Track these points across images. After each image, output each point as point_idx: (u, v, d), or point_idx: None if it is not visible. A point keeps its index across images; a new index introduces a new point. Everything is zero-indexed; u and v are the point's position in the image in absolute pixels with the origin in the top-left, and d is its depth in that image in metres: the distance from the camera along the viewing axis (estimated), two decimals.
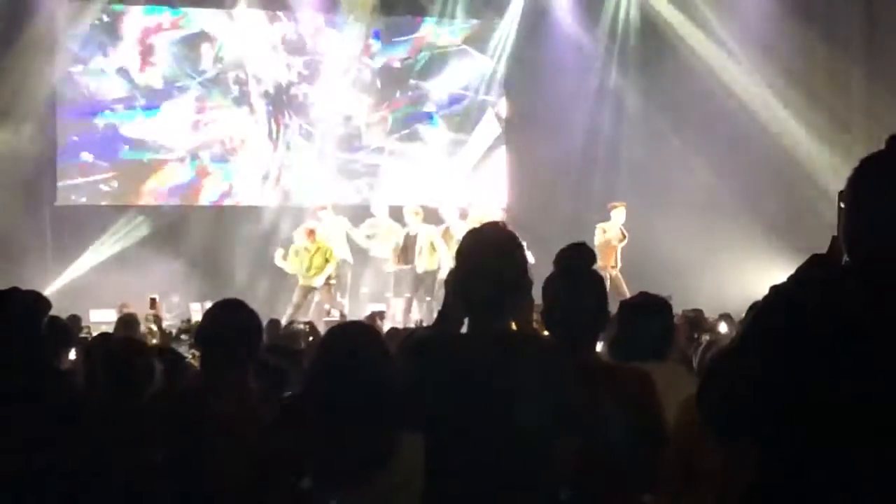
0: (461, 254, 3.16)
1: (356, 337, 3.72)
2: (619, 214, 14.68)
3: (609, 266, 14.20)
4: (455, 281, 3.15)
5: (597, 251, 11.37)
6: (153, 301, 11.18)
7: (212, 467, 3.76)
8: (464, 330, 3.16)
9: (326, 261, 14.27)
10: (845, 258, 2.37)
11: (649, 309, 4.35)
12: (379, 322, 11.28)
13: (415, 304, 14.35)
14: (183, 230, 15.58)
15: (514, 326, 3.16)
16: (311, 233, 14.45)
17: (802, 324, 2.27)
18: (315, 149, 16.78)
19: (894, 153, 2.36)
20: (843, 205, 2.37)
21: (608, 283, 14.00)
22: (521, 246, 3.19)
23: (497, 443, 2.93)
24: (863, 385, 2.23)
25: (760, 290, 2.45)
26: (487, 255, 3.11)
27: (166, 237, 15.56)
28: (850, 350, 2.23)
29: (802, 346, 2.26)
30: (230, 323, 4.09)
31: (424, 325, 11.43)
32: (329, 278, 14.32)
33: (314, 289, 14.33)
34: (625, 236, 14.59)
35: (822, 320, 2.26)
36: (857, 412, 2.22)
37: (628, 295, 12.51)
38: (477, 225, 3.24)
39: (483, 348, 3.02)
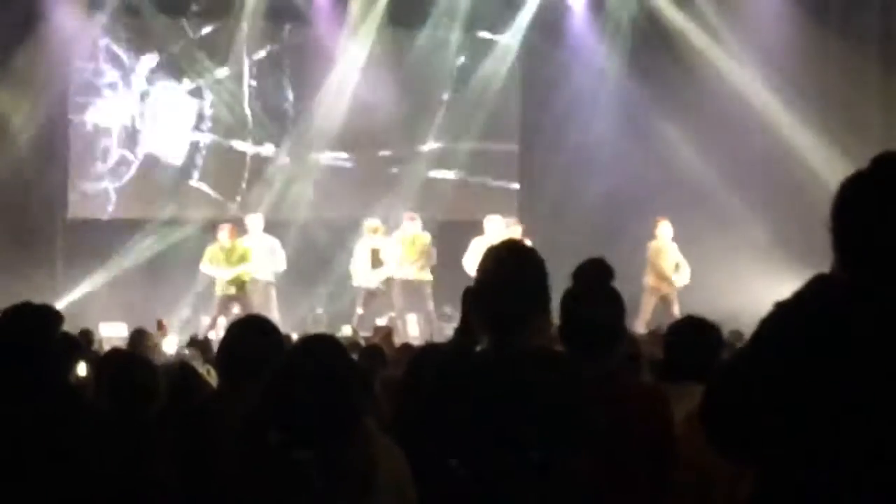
0: (482, 270, 3.14)
1: (320, 350, 3.55)
2: (662, 229, 14.58)
3: (658, 285, 14.21)
4: (476, 298, 3.13)
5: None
6: (160, 323, 11.19)
7: (226, 486, 3.72)
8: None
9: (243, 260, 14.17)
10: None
11: (697, 332, 4.32)
12: (392, 338, 11.24)
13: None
14: (197, 245, 15.55)
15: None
16: (234, 232, 14.36)
17: (802, 342, 2.29)
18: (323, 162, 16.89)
19: (877, 173, 2.38)
20: (832, 224, 2.39)
21: (654, 301, 14.05)
22: (541, 262, 3.17)
23: (517, 464, 2.91)
24: (862, 403, 2.24)
25: (767, 303, 2.45)
26: (509, 272, 3.09)
27: (180, 251, 15.56)
28: (849, 367, 2.25)
29: (803, 363, 2.27)
30: (254, 341, 4.09)
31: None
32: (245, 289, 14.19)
33: (233, 299, 14.20)
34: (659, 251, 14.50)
35: (822, 338, 2.27)
36: (858, 428, 2.23)
37: (677, 314, 12.60)
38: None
39: (505, 366, 3.00)
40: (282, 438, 3.25)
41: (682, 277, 14.35)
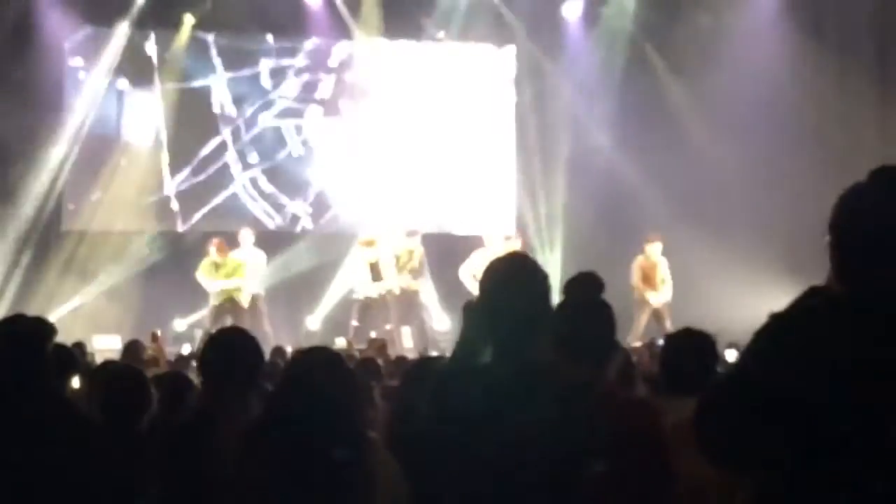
0: (486, 283, 3.13)
1: (321, 362, 3.59)
2: (654, 248, 14.62)
3: (646, 298, 14.30)
4: (479, 310, 3.12)
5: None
6: (154, 335, 11.15)
7: (210, 497, 3.72)
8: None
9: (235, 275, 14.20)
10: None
11: (694, 343, 4.31)
12: (386, 350, 11.23)
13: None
14: (191, 256, 15.52)
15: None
16: (222, 246, 14.35)
17: (796, 353, 2.30)
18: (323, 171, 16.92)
19: (874, 184, 2.39)
20: (829, 237, 2.40)
21: (646, 315, 14.11)
22: (545, 275, 3.16)
23: (521, 477, 2.90)
24: (856, 414, 2.25)
25: (761, 315, 2.47)
26: (514, 286, 3.08)
27: (174, 263, 15.54)
28: (843, 379, 2.25)
29: (797, 374, 2.28)
30: (230, 350, 4.08)
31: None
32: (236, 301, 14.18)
33: (226, 311, 14.17)
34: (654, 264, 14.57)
35: (817, 350, 2.28)
36: (852, 439, 2.24)
37: (669, 328, 12.62)
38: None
39: (509, 379, 2.99)
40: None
41: (662, 295, 14.42)
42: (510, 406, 2.95)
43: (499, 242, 14.48)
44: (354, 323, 14.55)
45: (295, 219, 16.76)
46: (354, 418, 3.38)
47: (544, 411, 2.94)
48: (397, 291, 14.63)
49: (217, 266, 14.21)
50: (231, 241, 14.67)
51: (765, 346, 2.38)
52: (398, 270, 14.69)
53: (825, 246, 2.41)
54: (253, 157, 16.73)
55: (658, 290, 14.46)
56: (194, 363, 8.71)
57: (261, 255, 14.81)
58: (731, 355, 8.32)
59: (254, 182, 16.69)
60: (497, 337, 3.07)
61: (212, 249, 14.30)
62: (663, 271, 14.54)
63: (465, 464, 2.96)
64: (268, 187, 16.68)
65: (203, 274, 14.30)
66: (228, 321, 13.80)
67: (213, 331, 13.69)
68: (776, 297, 2.77)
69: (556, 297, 3.59)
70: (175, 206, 16.43)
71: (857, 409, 2.25)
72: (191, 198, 16.49)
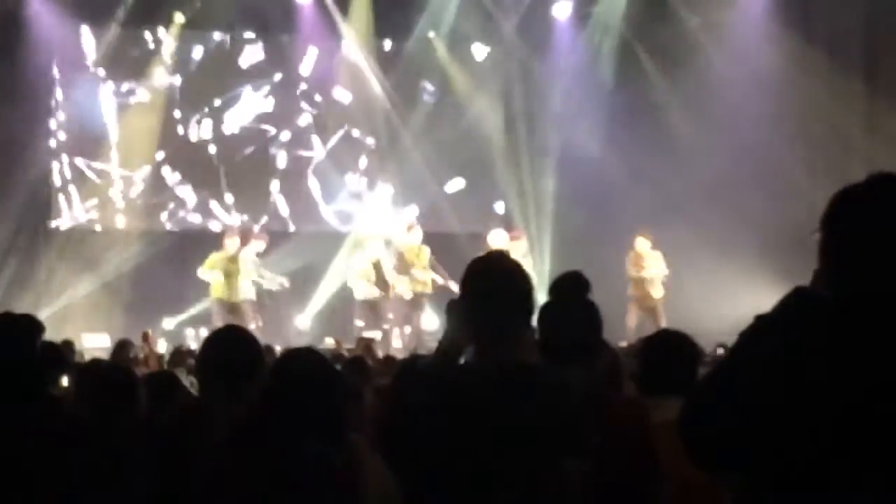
0: (468, 282, 3.13)
1: (307, 362, 3.60)
2: (640, 243, 14.70)
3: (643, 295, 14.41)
4: (461, 309, 3.12)
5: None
6: (145, 335, 11.14)
7: (199, 496, 3.72)
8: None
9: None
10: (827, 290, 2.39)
11: (671, 346, 4.30)
12: (373, 349, 11.23)
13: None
14: (179, 255, 15.49)
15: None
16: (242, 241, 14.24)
17: (780, 355, 2.30)
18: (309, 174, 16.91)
19: (871, 189, 2.38)
20: (820, 237, 2.40)
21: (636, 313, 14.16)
22: (527, 275, 3.17)
23: (501, 475, 2.91)
24: (839, 416, 2.25)
25: (751, 315, 2.46)
26: (496, 284, 3.08)
27: (162, 262, 15.51)
28: (826, 381, 2.26)
29: (780, 376, 2.28)
30: (230, 351, 4.07)
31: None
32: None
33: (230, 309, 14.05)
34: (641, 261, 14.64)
35: (800, 351, 2.29)
36: (834, 440, 2.25)
37: (663, 326, 12.65)
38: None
39: (490, 378, 3.00)
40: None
41: (656, 271, 14.56)
42: (488, 405, 2.95)
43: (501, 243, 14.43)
44: (358, 323, 14.41)
45: (284, 218, 16.72)
46: (338, 419, 3.38)
47: (522, 411, 2.94)
48: (408, 296, 14.51)
49: (230, 260, 14.09)
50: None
51: (749, 348, 2.38)
52: (406, 268, 14.53)
53: (815, 244, 2.41)
54: (235, 157, 16.69)
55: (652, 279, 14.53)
56: (191, 361, 8.72)
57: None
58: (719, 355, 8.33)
59: (235, 180, 16.64)
60: (477, 336, 3.08)
61: (231, 243, 14.18)
62: (656, 264, 14.61)
63: (447, 462, 2.97)
64: (251, 186, 16.63)
65: (208, 269, 14.12)
66: (229, 319, 13.73)
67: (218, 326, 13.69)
68: (764, 297, 2.78)
69: (543, 297, 3.61)
70: (161, 204, 16.37)
71: (840, 412, 2.25)
72: (175, 196, 16.44)
